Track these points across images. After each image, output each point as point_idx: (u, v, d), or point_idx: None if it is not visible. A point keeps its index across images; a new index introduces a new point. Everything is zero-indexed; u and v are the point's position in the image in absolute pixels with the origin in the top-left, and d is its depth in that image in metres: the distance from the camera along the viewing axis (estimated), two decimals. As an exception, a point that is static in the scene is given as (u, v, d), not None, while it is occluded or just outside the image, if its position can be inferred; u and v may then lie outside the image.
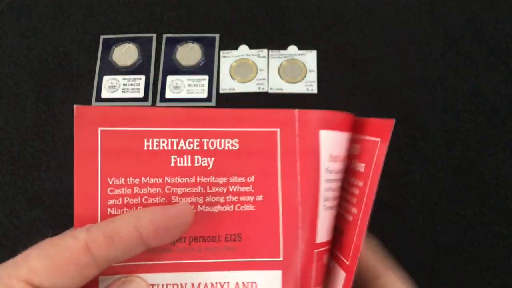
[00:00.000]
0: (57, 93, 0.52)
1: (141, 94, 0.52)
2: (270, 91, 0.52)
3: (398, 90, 0.51)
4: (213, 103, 0.51)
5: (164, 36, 0.55)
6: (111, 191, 0.25)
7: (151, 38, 0.55)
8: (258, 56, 0.53)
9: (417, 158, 0.48)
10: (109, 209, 0.25)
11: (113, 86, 0.52)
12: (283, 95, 0.51)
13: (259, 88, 0.52)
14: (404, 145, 0.49)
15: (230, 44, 0.54)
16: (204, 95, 0.52)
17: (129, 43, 0.54)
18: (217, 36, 0.55)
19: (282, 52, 0.54)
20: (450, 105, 0.50)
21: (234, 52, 0.54)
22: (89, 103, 0.52)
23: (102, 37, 0.55)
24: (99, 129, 0.25)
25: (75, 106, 0.24)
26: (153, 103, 0.52)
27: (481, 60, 0.52)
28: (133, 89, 0.52)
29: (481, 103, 0.50)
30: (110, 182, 0.25)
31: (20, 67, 0.54)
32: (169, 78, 0.53)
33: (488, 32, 0.53)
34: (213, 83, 0.52)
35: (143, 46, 0.54)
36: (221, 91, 0.52)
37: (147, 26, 0.55)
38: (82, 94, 0.52)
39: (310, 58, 0.53)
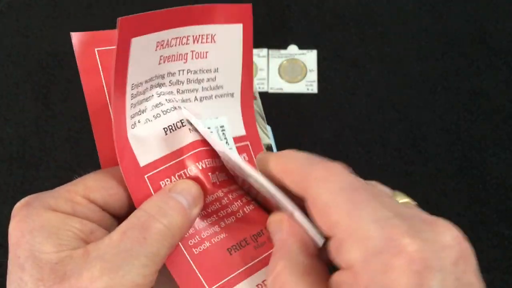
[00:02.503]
0: (56, 93, 0.52)
1: (141, 94, 0.52)
2: (270, 90, 0.52)
3: (398, 90, 0.51)
4: (213, 103, 0.51)
5: (164, 36, 0.55)
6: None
7: (151, 38, 0.54)
8: (258, 56, 0.53)
9: (417, 158, 0.48)
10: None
11: (113, 86, 0.52)
12: (283, 95, 0.51)
13: (259, 87, 0.52)
14: (404, 145, 0.49)
15: (230, 44, 0.54)
16: (204, 95, 0.52)
17: (129, 43, 0.54)
18: (217, 36, 0.54)
19: (282, 51, 0.54)
20: (450, 105, 0.50)
21: (234, 52, 0.54)
22: (89, 103, 0.52)
23: (101, 37, 0.55)
24: (96, 49, 0.28)
25: (72, 33, 0.28)
26: (153, 103, 0.52)
27: (482, 60, 0.52)
28: (132, 89, 0.52)
29: (481, 103, 0.50)
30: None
31: (19, 67, 0.54)
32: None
33: (489, 32, 0.53)
34: (213, 83, 0.52)
35: (143, 46, 0.54)
36: (221, 91, 0.52)
37: (147, 26, 0.55)
38: (81, 94, 0.52)
39: (310, 57, 0.53)
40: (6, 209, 0.47)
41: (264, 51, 0.53)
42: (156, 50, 0.26)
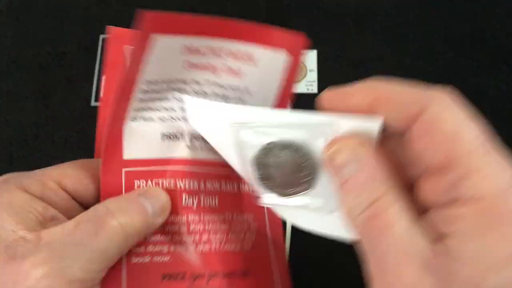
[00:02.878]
0: (56, 93, 0.52)
1: (141, 94, 0.52)
2: (270, 91, 0.52)
3: (398, 90, 0.51)
4: (213, 103, 0.51)
5: (164, 36, 0.55)
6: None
7: (151, 38, 0.54)
8: (258, 56, 0.53)
9: (417, 158, 0.48)
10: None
11: (113, 86, 0.52)
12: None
13: (259, 88, 0.52)
14: (404, 145, 0.49)
15: (230, 44, 0.54)
16: (204, 95, 0.52)
17: (129, 43, 0.54)
18: (217, 36, 0.54)
19: (282, 52, 0.53)
20: (450, 105, 0.50)
21: (234, 52, 0.54)
22: (89, 103, 0.52)
23: (101, 36, 0.55)
24: (125, 46, 0.28)
25: (108, 27, 0.28)
26: (153, 103, 0.52)
27: (482, 60, 0.52)
28: (133, 89, 0.52)
29: (481, 103, 0.50)
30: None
31: (19, 67, 0.54)
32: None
33: (489, 32, 0.53)
34: (213, 83, 0.52)
35: (143, 46, 0.54)
36: (221, 91, 0.52)
37: (147, 26, 0.55)
38: (81, 94, 0.52)
39: (310, 57, 0.53)
40: (6, 209, 0.47)
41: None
42: (182, 53, 0.25)
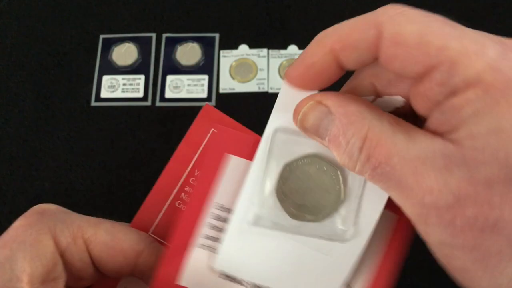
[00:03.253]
0: (56, 93, 0.52)
1: (140, 94, 0.52)
2: (270, 91, 0.52)
3: (398, 90, 0.51)
4: (213, 103, 0.51)
5: (164, 35, 0.55)
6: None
7: (151, 37, 0.55)
8: (258, 56, 0.53)
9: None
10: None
11: (113, 86, 0.52)
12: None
13: (259, 88, 0.52)
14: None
15: (230, 43, 0.54)
16: (204, 95, 0.52)
17: (129, 42, 0.54)
18: (217, 35, 0.55)
19: (282, 52, 0.53)
20: (450, 105, 0.50)
21: (234, 52, 0.54)
22: (89, 103, 0.52)
23: (101, 36, 0.55)
24: (212, 129, 0.27)
25: (206, 104, 0.28)
26: (153, 103, 0.52)
27: (481, 60, 0.52)
28: (132, 89, 0.52)
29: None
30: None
31: (19, 67, 0.54)
32: (169, 78, 0.53)
33: (488, 32, 0.53)
34: (213, 83, 0.52)
35: (143, 46, 0.54)
36: (221, 91, 0.52)
37: (147, 25, 0.55)
38: (81, 94, 0.52)
39: (310, 58, 0.53)
40: (6, 209, 0.47)
41: (264, 51, 0.53)
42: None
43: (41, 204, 0.26)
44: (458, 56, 0.18)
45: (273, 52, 0.54)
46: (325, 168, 0.22)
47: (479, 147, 0.17)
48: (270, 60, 0.53)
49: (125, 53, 0.54)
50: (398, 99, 0.22)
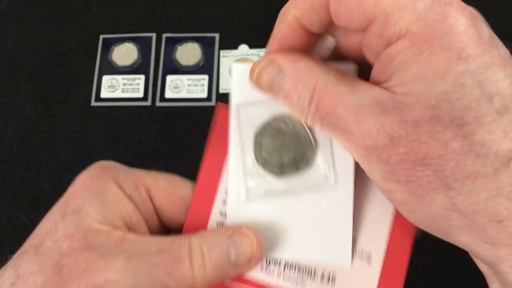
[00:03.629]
0: (56, 93, 0.52)
1: (140, 94, 0.52)
2: (270, 91, 0.52)
3: (398, 90, 0.51)
4: (212, 103, 0.51)
5: (164, 35, 0.55)
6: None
7: (151, 37, 0.55)
8: (258, 56, 0.53)
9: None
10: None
11: (113, 86, 0.52)
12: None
13: (259, 88, 0.52)
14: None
15: (230, 43, 0.54)
16: (204, 95, 0.52)
17: (129, 42, 0.54)
18: (217, 35, 0.55)
19: (282, 52, 0.54)
20: (450, 105, 0.50)
21: (234, 52, 0.54)
22: (89, 103, 0.52)
23: (101, 36, 0.55)
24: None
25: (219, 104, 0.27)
26: (153, 103, 0.52)
27: (481, 60, 0.52)
28: (132, 89, 0.52)
29: (481, 103, 0.50)
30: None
31: (19, 67, 0.54)
32: (169, 78, 0.53)
33: (488, 32, 0.53)
34: (213, 83, 0.52)
35: (143, 46, 0.54)
36: (221, 91, 0.52)
37: (147, 25, 0.55)
38: (81, 94, 0.52)
39: (310, 58, 0.53)
40: (6, 209, 0.47)
41: (264, 51, 0.53)
42: None
43: (102, 161, 0.27)
44: (391, 10, 0.20)
45: (273, 52, 0.54)
46: (290, 124, 0.25)
47: (407, 92, 0.19)
48: (270, 60, 0.53)
49: (125, 53, 0.54)
50: (329, 41, 0.24)
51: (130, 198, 0.25)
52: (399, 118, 0.19)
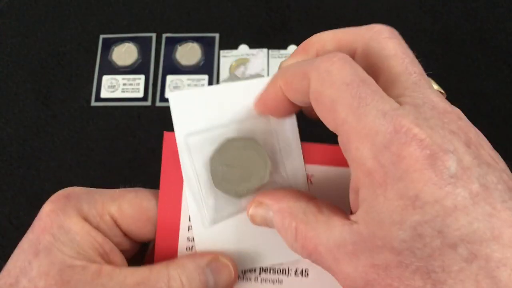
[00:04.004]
0: (56, 93, 0.52)
1: (140, 94, 0.52)
2: (270, 91, 0.52)
3: (398, 90, 0.51)
4: (213, 103, 0.51)
5: (164, 35, 0.55)
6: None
7: (151, 37, 0.55)
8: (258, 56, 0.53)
9: (417, 158, 0.48)
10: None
11: (113, 86, 0.52)
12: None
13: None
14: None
15: (230, 43, 0.54)
16: (204, 95, 0.52)
17: (129, 42, 0.54)
18: (217, 35, 0.55)
19: (282, 52, 0.53)
20: (450, 105, 0.50)
21: (234, 52, 0.54)
22: (89, 103, 0.52)
23: (101, 36, 0.55)
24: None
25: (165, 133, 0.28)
26: (153, 103, 0.52)
27: (481, 60, 0.52)
28: (132, 89, 0.52)
29: (481, 103, 0.50)
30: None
31: (19, 67, 0.54)
32: (169, 78, 0.53)
33: (489, 32, 0.53)
34: (213, 83, 0.52)
35: (143, 46, 0.54)
36: (221, 91, 0.52)
37: (147, 25, 0.55)
38: (81, 94, 0.52)
39: (310, 58, 0.53)
40: (6, 209, 0.47)
41: (264, 51, 0.54)
42: None
43: (65, 188, 0.27)
44: (352, 134, 0.20)
45: (273, 52, 0.54)
46: (243, 145, 0.26)
47: (372, 235, 0.19)
48: (270, 60, 0.53)
49: (125, 53, 0.54)
50: None
51: (97, 228, 0.25)
52: (370, 261, 0.19)
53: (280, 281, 0.26)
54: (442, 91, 0.24)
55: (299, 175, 0.26)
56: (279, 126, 0.26)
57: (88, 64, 0.54)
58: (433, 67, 0.52)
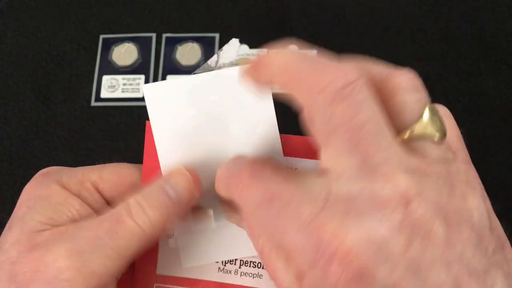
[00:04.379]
0: (56, 93, 0.52)
1: (140, 94, 0.52)
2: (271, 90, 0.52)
3: (398, 90, 0.51)
4: (213, 103, 0.51)
5: (164, 35, 0.55)
6: None
7: (151, 37, 0.55)
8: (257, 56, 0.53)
9: (417, 158, 0.48)
10: None
11: (113, 86, 0.52)
12: (283, 95, 0.51)
13: (259, 88, 0.52)
14: (404, 145, 0.49)
15: (230, 44, 0.54)
16: (204, 95, 0.52)
17: (129, 42, 0.54)
18: (217, 35, 0.55)
19: (282, 52, 0.53)
20: (450, 105, 0.50)
21: (234, 52, 0.54)
22: (89, 103, 0.52)
23: (101, 36, 0.55)
24: None
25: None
26: (153, 103, 0.52)
27: (481, 60, 0.52)
28: (132, 89, 0.52)
29: (481, 103, 0.50)
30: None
31: (19, 67, 0.54)
32: (169, 78, 0.53)
33: (489, 32, 0.53)
34: (213, 83, 0.52)
35: (143, 46, 0.54)
36: (221, 91, 0.52)
37: (147, 25, 0.55)
38: (81, 94, 0.52)
39: (310, 58, 0.53)
40: (6, 209, 0.47)
41: (264, 51, 0.53)
42: None
43: (45, 168, 0.28)
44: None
45: (273, 52, 0.53)
46: None
47: None
48: (270, 60, 0.53)
49: (125, 53, 0.54)
50: None
51: (78, 195, 0.26)
52: None
53: (260, 276, 0.26)
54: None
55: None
56: (256, 114, 0.27)
57: (88, 64, 0.54)
58: (433, 67, 0.52)
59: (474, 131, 0.49)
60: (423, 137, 0.20)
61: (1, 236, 0.25)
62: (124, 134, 0.50)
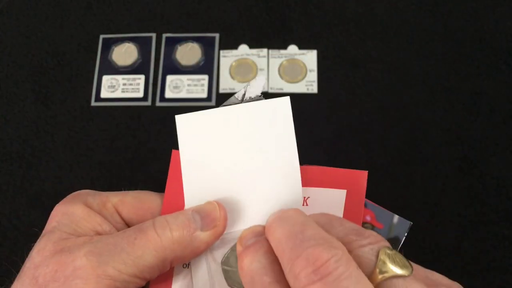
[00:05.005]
0: (56, 93, 0.52)
1: (140, 94, 0.52)
2: (270, 91, 0.52)
3: (398, 90, 0.51)
4: (212, 103, 0.51)
5: (164, 35, 0.55)
6: None
7: (151, 37, 0.55)
8: (258, 56, 0.53)
9: (417, 158, 0.48)
10: None
11: (113, 86, 0.52)
12: (283, 95, 0.51)
13: (259, 88, 0.52)
14: (404, 145, 0.49)
15: (230, 43, 0.54)
16: (204, 95, 0.52)
17: (129, 42, 0.54)
18: (217, 35, 0.55)
19: (282, 51, 0.53)
20: (450, 105, 0.50)
21: (234, 52, 0.54)
22: (89, 103, 0.52)
23: (101, 36, 0.55)
24: None
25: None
26: (153, 103, 0.52)
27: (481, 60, 0.52)
28: (132, 89, 0.52)
29: (481, 103, 0.50)
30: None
31: (19, 67, 0.54)
32: (169, 78, 0.53)
33: (489, 32, 0.53)
34: (213, 83, 0.52)
35: (143, 46, 0.54)
36: (221, 91, 0.52)
37: (147, 25, 0.55)
38: (81, 94, 0.52)
39: (310, 57, 0.53)
40: (6, 209, 0.47)
41: (264, 51, 0.53)
42: None
43: (76, 191, 0.31)
44: None
45: (273, 52, 0.54)
46: None
47: None
48: (270, 60, 0.53)
49: (125, 53, 0.54)
50: (261, 78, 0.28)
51: (99, 213, 0.28)
52: None
53: None
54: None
55: (296, 200, 0.27)
56: (278, 148, 0.28)
57: (88, 64, 0.54)
58: (433, 67, 0.52)
59: (474, 131, 0.49)
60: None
61: (38, 241, 0.27)
62: (124, 134, 0.50)
